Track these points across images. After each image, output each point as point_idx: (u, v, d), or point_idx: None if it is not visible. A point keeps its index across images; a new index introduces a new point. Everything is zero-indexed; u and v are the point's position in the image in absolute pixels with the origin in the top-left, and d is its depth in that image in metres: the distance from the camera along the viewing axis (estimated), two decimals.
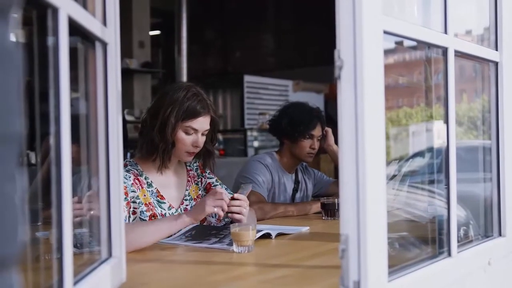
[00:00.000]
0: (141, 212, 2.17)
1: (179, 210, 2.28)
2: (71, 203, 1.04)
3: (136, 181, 2.20)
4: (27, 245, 1.17)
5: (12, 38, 0.61)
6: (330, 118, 4.26)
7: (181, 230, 2.10)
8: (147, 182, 2.24)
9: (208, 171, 2.46)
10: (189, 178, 2.39)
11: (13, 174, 0.60)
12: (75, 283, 1.10)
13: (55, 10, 1.00)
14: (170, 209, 2.26)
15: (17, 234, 0.61)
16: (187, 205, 2.32)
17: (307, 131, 3.00)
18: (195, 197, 2.37)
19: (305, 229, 2.37)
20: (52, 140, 1.01)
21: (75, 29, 1.12)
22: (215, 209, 2.05)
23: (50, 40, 1.01)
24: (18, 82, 0.61)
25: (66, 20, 1.03)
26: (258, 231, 2.04)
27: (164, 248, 1.97)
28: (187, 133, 2.22)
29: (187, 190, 2.36)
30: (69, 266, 1.02)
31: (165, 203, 2.25)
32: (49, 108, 1.01)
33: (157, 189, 2.25)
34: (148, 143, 2.23)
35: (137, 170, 2.24)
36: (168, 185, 2.30)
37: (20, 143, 0.62)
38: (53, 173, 1.01)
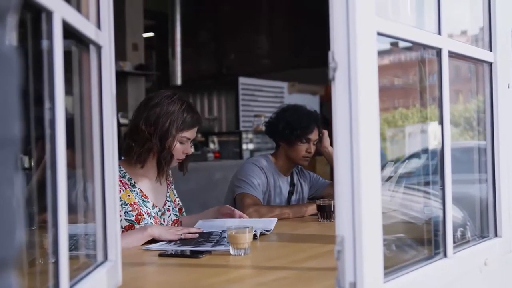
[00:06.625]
0: (126, 212, 2.24)
1: (162, 209, 2.40)
2: (66, 207, 1.03)
3: (119, 182, 2.24)
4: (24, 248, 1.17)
5: (10, 42, 0.61)
6: (325, 120, 4.25)
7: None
8: (131, 183, 2.31)
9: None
10: (169, 183, 2.52)
11: (11, 178, 0.60)
12: (71, 286, 1.09)
13: (49, 14, 1.00)
14: (154, 208, 2.36)
15: (16, 237, 0.61)
16: (169, 206, 2.45)
17: (304, 135, 2.99)
18: (173, 200, 2.51)
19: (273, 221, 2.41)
20: (47, 144, 1.00)
21: (69, 32, 1.11)
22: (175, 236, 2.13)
23: (44, 44, 1.01)
24: (16, 85, 0.61)
25: (60, 23, 1.02)
26: None
27: (160, 253, 1.97)
28: (181, 143, 2.33)
29: (168, 192, 2.48)
30: (65, 270, 1.02)
31: (149, 202, 2.35)
32: (44, 112, 1.01)
33: (140, 189, 2.33)
34: (145, 152, 2.29)
35: (119, 172, 2.27)
36: (151, 187, 2.39)
37: (18, 147, 0.62)
38: (48, 177, 1.00)
